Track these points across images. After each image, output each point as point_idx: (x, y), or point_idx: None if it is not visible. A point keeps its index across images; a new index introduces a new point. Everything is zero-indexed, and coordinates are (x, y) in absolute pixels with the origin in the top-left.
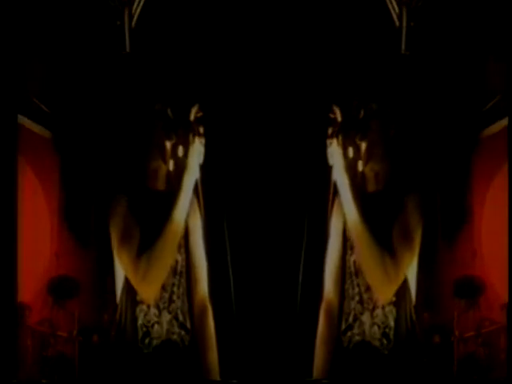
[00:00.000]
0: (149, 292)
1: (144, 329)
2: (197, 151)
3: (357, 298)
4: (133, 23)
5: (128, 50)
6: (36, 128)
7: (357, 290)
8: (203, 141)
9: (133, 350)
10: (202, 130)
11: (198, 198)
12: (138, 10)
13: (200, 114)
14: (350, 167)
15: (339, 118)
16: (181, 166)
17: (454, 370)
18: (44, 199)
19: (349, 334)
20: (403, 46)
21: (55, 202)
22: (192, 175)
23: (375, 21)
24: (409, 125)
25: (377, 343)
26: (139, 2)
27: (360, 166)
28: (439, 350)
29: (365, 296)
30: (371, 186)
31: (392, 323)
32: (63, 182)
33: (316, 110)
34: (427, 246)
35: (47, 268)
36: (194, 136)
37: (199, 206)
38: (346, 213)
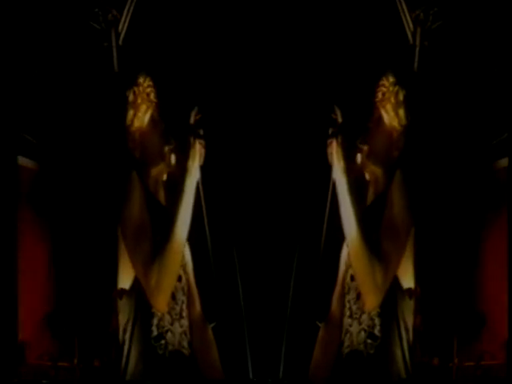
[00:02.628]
0: (161, 300)
1: (160, 330)
2: (197, 153)
3: (348, 313)
4: (120, 41)
5: (116, 69)
6: (24, 162)
7: (348, 305)
8: (203, 142)
9: (147, 348)
10: (201, 132)
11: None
12: (125, 27)
13: (199, 117)
14: (349, 169)
15: (340, 119)
16: (182, 170)
17: None
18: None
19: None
20: (416, 65)
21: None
22: (193, 177)
23: (389, 33)
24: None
25: (362, 347)
26: (125, 20)
27: (359, 168)
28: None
29: (354, 307)
30: (370, 190)
31: (378, 322)
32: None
33: (316, 110)
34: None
35: (44, 302)
36: (194, 139)
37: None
38: (342, 214)
